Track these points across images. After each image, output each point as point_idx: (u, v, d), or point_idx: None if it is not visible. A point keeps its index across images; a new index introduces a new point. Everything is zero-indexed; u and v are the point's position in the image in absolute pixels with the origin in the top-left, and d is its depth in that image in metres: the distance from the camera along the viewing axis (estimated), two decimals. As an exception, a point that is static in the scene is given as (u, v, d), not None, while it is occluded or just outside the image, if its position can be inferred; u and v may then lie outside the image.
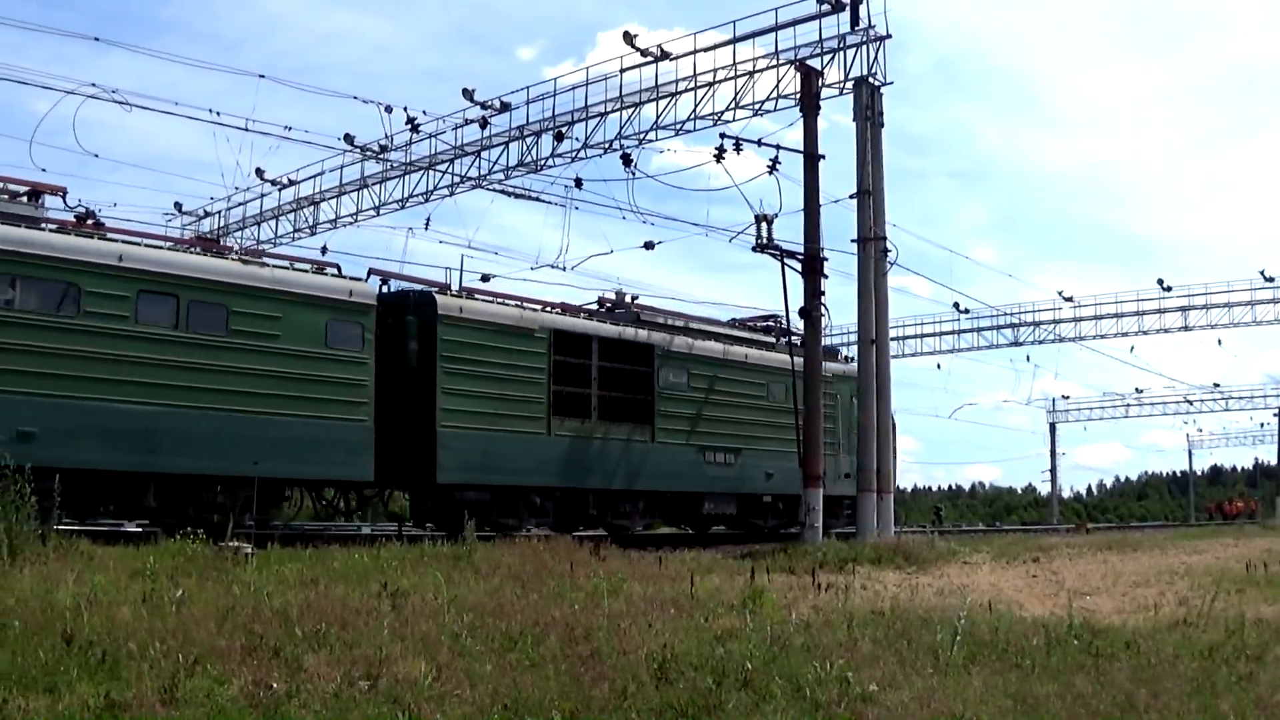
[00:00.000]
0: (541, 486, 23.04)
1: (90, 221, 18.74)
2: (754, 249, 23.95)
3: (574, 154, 28.51)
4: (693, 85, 26.52)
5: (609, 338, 24.76)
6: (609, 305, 26.66)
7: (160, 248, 19.04)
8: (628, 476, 24.66)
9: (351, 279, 21.15)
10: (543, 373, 23.09)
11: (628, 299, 26.94)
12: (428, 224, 31.64)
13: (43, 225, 17.91)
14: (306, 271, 20.76)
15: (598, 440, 24.11)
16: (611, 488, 24.44)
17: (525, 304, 24.03)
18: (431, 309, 21.58)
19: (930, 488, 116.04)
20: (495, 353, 22.26)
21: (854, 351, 25.75)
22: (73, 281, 17.14)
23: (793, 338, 27.63)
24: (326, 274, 21.02)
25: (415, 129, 30.62)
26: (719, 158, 24.73)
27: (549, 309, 24.50)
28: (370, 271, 22.24)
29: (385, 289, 22.16)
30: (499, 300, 23.67)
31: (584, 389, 23.99)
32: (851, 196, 23.85)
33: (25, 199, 18.49)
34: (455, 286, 22.99)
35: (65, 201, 18.86)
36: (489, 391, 22.02)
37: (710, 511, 26.98)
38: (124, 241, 18.41)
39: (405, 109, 30.24)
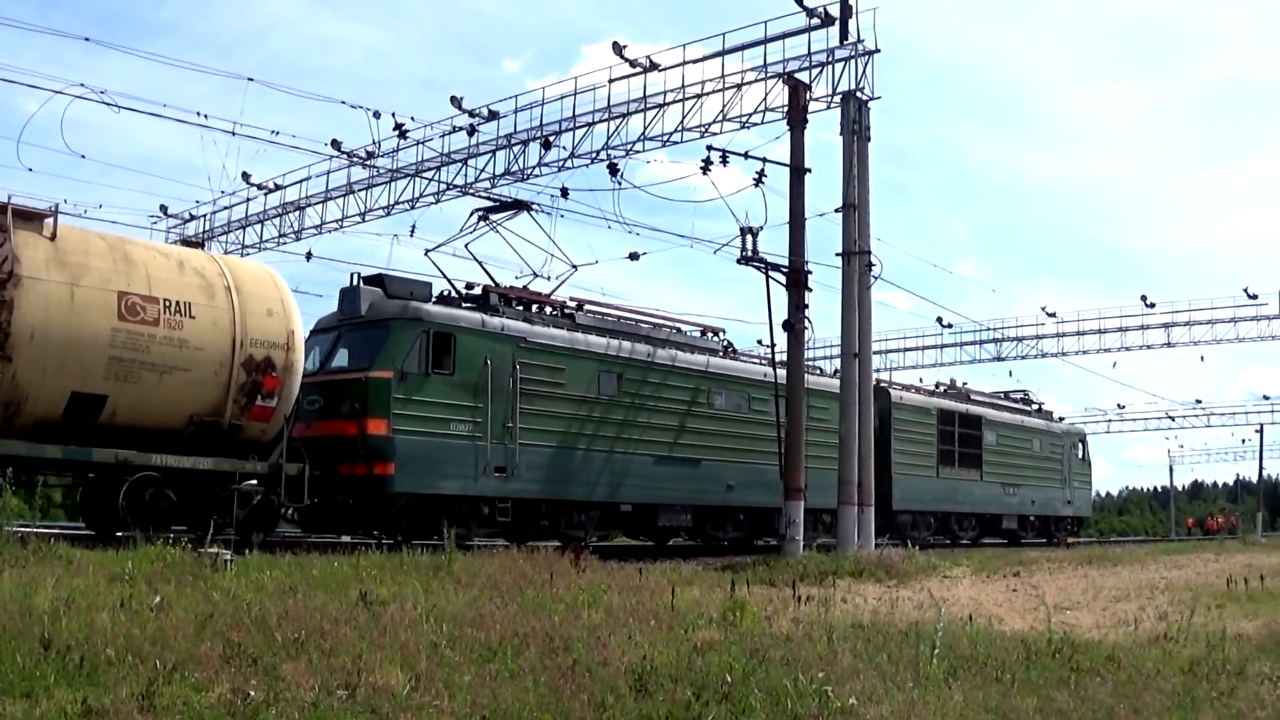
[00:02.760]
0: (934, 511, 34.39)
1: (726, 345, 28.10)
2: (739, 261, 23.98)
3: (561, 163, 28.45)
4: (681, 97, 26.50)
5: (962, 413, 36.37)
6: (945, 388, 39.03)
7: (748, 361, 28.54)
8: (969, 504, 36.26)
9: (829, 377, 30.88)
10: (933, 436, 34.26)
11: (959, 385, 39.57)
12: (413, 231, 31.47)
13: (718, 354, 27.32)
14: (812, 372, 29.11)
15: (956, 481, 35.43)
16: (961, 511, 36.00)
17: (919, 390, 36.67)
18: (887, 398, 32.35)
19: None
20: (915, 425, 33.69)
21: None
22: (746, 391, 27.02)
23: (1035, 403, 43.03)
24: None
25: (403, 135, 30.37)
26: (705, 170, 24.71)
27: (930, 394, 36.74)
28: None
29: None
30: (913, 389, 36.36)
31: (950, 446, 35.19)
32: (837, 210, 23.90)
33: (700, 333, 27.57)
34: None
35: (718, 336, 28.06)
36: (912, 450, 33.22)
37: (1005, 527, 38.42)
38: (752, 362, 28.24)
39: (394, 115, 29.97)
